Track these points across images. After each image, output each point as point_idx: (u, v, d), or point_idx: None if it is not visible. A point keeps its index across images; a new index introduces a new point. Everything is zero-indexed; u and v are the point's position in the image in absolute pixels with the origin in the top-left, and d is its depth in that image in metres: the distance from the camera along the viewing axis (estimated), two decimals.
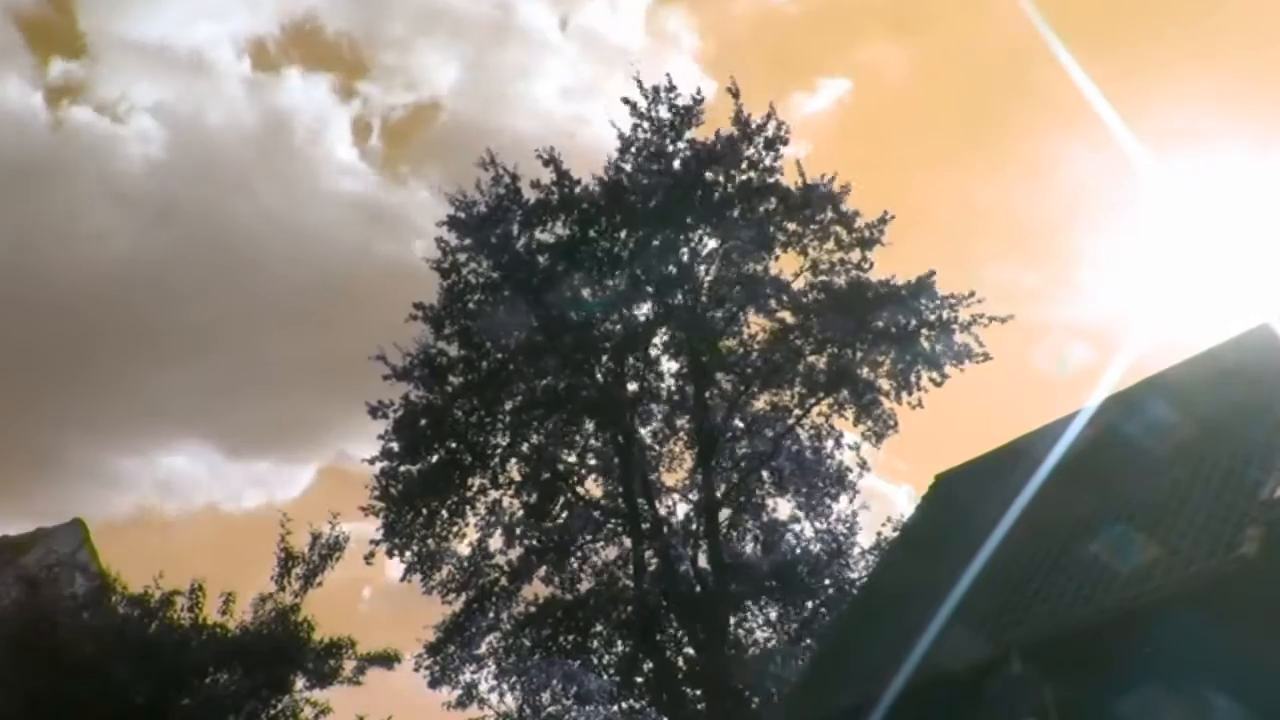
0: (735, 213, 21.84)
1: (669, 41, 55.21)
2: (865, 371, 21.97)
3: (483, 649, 23.36)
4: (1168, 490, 12.95)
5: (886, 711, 13.25)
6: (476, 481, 22.69)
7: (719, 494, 22.52)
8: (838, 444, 23.22)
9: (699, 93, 22.26)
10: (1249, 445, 12.70)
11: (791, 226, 22.02)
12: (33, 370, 44.95)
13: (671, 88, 22.13)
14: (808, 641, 22.75)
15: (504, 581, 23.01)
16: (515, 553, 23.04)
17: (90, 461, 49.96)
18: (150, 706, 18.57)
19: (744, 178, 21.88)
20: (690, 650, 22.45)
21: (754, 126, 21.82)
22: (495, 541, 23.09)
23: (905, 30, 58.09)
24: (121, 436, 51.44)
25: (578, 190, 22.09)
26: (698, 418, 22.57)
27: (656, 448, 23.89)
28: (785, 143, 21.97)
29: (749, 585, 22.54)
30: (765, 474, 23.41)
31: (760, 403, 23.33)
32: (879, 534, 23.86)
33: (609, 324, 22.69)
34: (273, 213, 50.29)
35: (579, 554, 23.21)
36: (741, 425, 23.35)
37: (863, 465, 23.03)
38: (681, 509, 23.60)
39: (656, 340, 23.00)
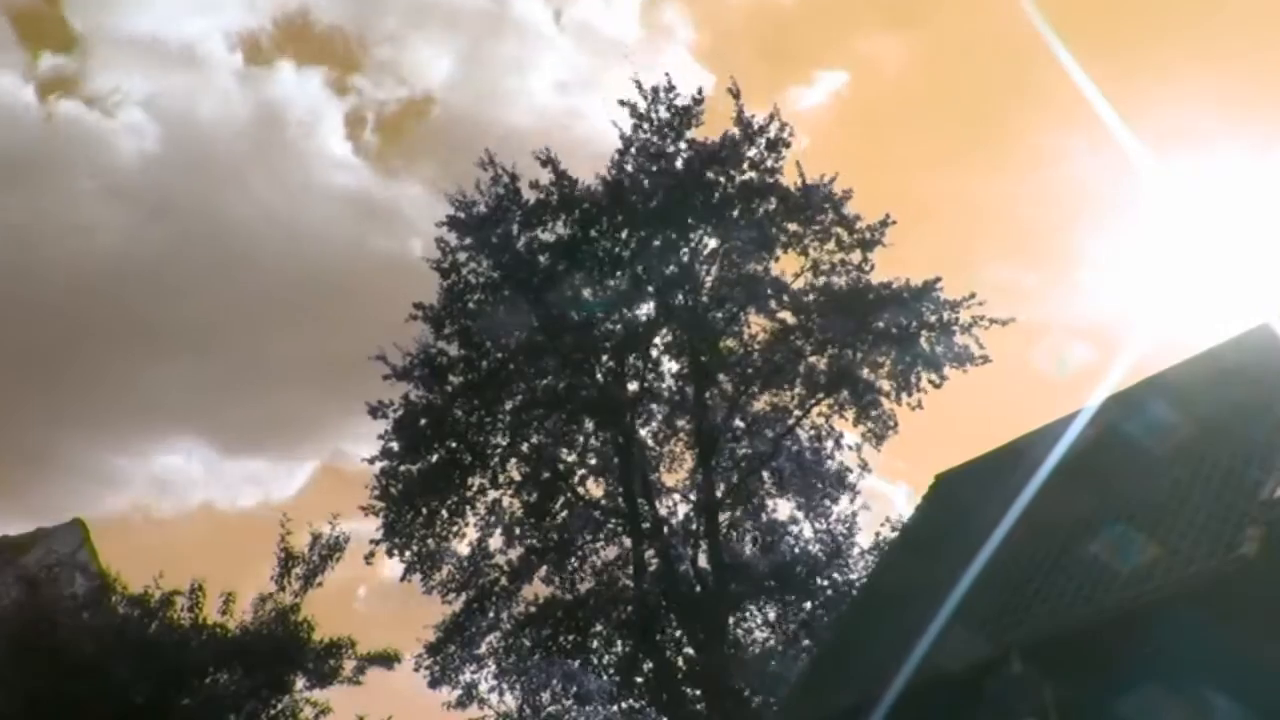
0: (736, 213, 21.82)
1: (664, 34, 55.20)
2: (865, 372, 21.94)
3: (483, 649, 23.38)
4: (1168, 490, 12.96)
5: (886, 711, 13.25)
6: (476, 481, 22.70)
7: (719, 494, 22.52)
8: (838, 445, 23.20)
9: (699, 93, 22.28)
10: (1249, 445, 12.72)
11: (792, 227, 21.99)
12: (24, 366, 44.85)
13: (671, 88, 22.14)
14: (807, 642, 22.72)
15: (504, 581, 23.01)
16: (515, 553, 23.10)
17: (84, 459, 49.89)
18: (150, 706, 18.59)
19: (745, 178, 21.86)
20: (690, 650, 22.41)
21: (756, 128, 21.79)
22: (495, 541, 23.16)
23: (903, 23, 58.14)
24: (116, 434, 51.35)
25: (578, 190, 22.09)
26: (698, 418, 22.56)
27: (656, 448, 23.89)
28: (788, 145, 21.97)
29: (748, 585, 22.52)
30: (765, 474, 23.39)
31: (760, 403, 23.30)
32: (878, 534, 23.94)
33: (609, 324, 22.67)
34: (266, 208, 50.10)
35: (579, 554, 23.19)
36: (742, 426, 23.34)
37: (863, 466, 23.03)
38: (681, 509, 23.61)
39: (657, 340, 22.99)
